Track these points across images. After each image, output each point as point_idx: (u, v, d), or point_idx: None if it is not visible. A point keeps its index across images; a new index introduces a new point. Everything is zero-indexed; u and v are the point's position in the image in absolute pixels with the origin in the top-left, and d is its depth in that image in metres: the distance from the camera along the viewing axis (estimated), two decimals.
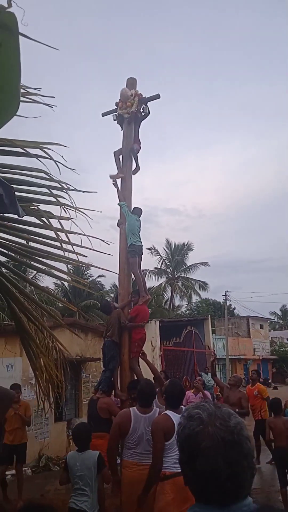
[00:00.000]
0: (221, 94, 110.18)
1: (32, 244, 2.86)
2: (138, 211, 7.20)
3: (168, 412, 3.73)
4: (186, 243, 38.21)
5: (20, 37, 1.18)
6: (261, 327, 41.91)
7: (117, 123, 7.73)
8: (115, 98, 7.86)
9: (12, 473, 7.53)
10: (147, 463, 3.84)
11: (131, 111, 7.47)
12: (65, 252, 2.72)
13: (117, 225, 7.07)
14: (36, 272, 13.76)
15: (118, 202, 7.10)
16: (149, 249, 36.30)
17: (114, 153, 7.60)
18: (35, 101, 2.33)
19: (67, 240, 2.65)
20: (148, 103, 7.75)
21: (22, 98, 2.27)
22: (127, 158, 7.46)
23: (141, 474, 3.83)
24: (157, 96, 7.75)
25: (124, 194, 7.27)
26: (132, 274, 6.96)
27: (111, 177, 7.35)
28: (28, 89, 2.30)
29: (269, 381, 35.63)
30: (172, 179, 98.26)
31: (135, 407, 4.14)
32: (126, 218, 6.90)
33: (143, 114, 7.68)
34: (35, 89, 2.30)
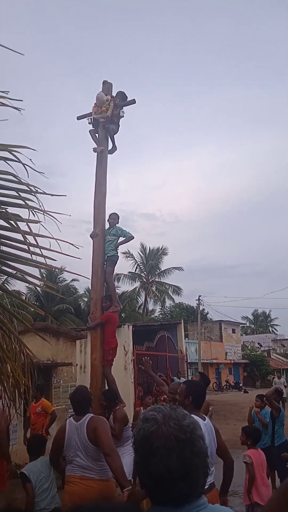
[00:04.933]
0: (196, 97, 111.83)
1: (1, 248, 2.82)
2: (117, 218, 7.28)
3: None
4: (160, 248, 38.46)
5: None
6: (233, 331, 42.55)
7: (92, 127, 7.74)
8: (89, 100, 7.89)
9: None
10: (90, 477, 3.60)
11: (106, 116, 7.52)
12: (32, 255, 2.69)
13: (90, 237, 7.05)
14: (6, 276, 13.53)
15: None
16: (123, 253, 36.23)
17: (90, 131, 7.68)
18: (3, 104, 2.31)
19: (35, 243, 2.63)
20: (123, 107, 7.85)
21: None
22: (101, 158, 7.48)
23: (84, 491, 3.53)
24: (132, 101, 7.82)
25: (99, 198, 7.28)
26: (106, 283, 6.99)
27: (94, 150, 7.49)
28: None
29: (240, 385, 36.16)
30: (148, 183, 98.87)
31: (72, 417, 3.93)
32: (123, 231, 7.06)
33: (119, 119, 7.74)
34: (2, 92, 2.28)
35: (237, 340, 42.78)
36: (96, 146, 7.53)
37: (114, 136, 7.78)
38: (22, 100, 2.26)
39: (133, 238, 7.18)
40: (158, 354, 17.57)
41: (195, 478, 1.10)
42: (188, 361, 23.39)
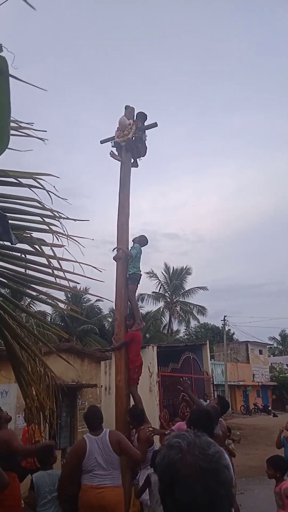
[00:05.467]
0: (216, 119, 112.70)
1: (27, 271, 2.89)
2: (144, 241, 7.35)
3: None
4: (184, 267, 38.30)
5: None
6: (260, 352, 41.50)
7: (116, 151, 7.92)
8: (112, 123, 8.13)
9: None
10: (106, 484, 3.95)
11: (128, 138, 7.68)
12: (56, 278, 2.75)
13: (114, 259, 7.11)
14: (30, 299, 13.74)
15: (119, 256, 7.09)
16: (147, 273, 36.30)
17: (111, 152, 7.90)
18: (28, 135, 2.42)
19: (59, 267, 2.68)
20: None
21: (15, 132, 2.37)
22: (125, 181, 7.61)
23: (99, 499, 3.87)
24: (154, 125, 7.98)
25: (122, 220, 7.37)
26: (129, 301, 7.01)
27: (111, 155, 7.78)
28: (21, 124, 2.39)
29: (269, 408, 35.03)
30: (170, 203, 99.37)
31: (88, 433, 4.25)
32: (131, 249, 7.01)
33: (141, 145, 7.91)
34: (27, 123, 2.39)
35: (264, 362, 41.66)
36: (115, 157, 7.79)
37: (142, 158, 7.96)
38: (46, 131, 2.36)
39: (131, 255, 7.03)
40: (183, 376, 17.29)
41: (220, 508, 1.08)
42: (215, 383, 22.89)
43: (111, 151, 7.79)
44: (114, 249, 7.20)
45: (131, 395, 6.45)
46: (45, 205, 2.54)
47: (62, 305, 4.09)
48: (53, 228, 2.62)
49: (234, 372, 34.44)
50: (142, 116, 8.04)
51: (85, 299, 31.57)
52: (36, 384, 2.95)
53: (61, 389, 3.66)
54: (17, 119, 2.35)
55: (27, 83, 1.36)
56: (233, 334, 45.04)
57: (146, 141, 8.01)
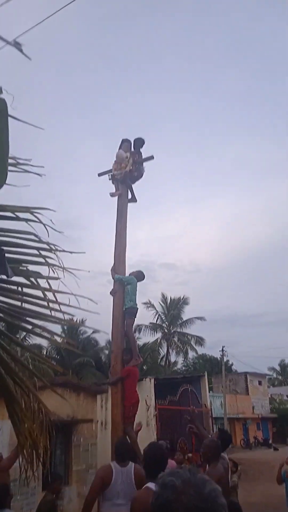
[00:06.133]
0: (213, 150, 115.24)
1: (22, 304, 2.87)
2: (141, 276, 7.36)
3: (150, 484, 3.19)
4: (182, 297, 38.03)
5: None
6: (260, 383, 40.77)
7: (112, 183, 8.06)
8: (108, 155, 8.33)
9: None
10: None
11: (125, 171, 7.84)
12: (52, 311, 2.73)
13: (110, 294, 7.08)
14: (26, 333, 13.57)
15: (113, 276, 7.16)
16: (144, 303, 36.01)
17: (111, 179, 8.01)
18: (26, 171, 2.47)
19: (55, 300, 2.67)
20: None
21: (13, 168, 2.43)
22: (122, 212, 7.69)
23: None
24: (150, 158, 8.15)
25: (118, 249, 7.41)
26: (126, 336, 6.94)
27: (111, 194, 7.84)
28: (18, 160, 2.45)
29: (270, 441, 34.09)
30: (167, 233, 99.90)
31: (114, 461, 4.41)
32: (128, 281, 7.00)
33: (137, 174, 8.05)
34: (25, 160, 2.45)
35: (264, 393, 40.87)
36: (114, 191, 7.86)
37: (137, 182, 8.11)
38: (43, 166, 2.42)
39: (121, 279, 7.04)
40: (182, 409, 16.91)
41: None
42: (213, 416, 22.35)
43: (111, 192, 7.88)
44: (112, 269, 7.14)
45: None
46: (41, 238, 2.56)
47: (58, 339, 4.04)
48: (49, 260, 2.63)
49: (233, 404, 33.70)
50: (139, 142, 8.22)
51: (81, 331, 31.22)
52: (29, 421, 2.87)
53: (55, 425, 3.56)
54: (15, 155, 2.41)
55: (26, 122, 1.40)
56: (232, 365, 44.47)
57: (143, 173, 8.17)
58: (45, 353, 27.45)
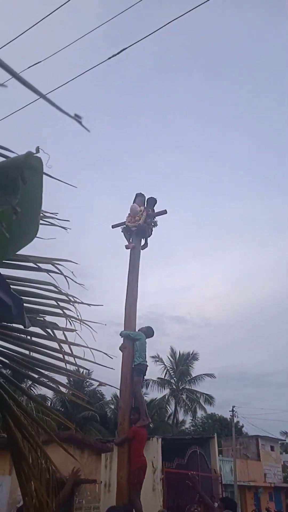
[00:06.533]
0: (224, 205, 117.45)
1: (34, 354, 2.85)
2: (150, 332, 7.31)
3: None
4: (191, 353, 37.17)
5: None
6: (272, 448, 38.48)
7: (124, 236, 8.25)
8: (119, 206, 8.73)
9: None
10: None
11: (139, 224, 8.04)
12: (66, 364, 2.70)
13: (120, 349, 7.01)
14: (31, 382, 13.32)
15: (120, 332, 7.15)
16: (153, 357, 35.22)
17: (123, 231, 8.27)
18: (52, 224, 2.56)
19: (70, 352, 2.65)
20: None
21: (40, 221, 2.52)
22: (134, 265, 7.78)
23: None
24: (163, 212, 8.38)
25: (130, 300, 7.41)
26: (134, 393, 6.76)
27: (126, 247, 8.01)
28: (45, 213, 2.55)
29: None
30: (177, 286, 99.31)
31: None
32: (136, 337, 6.94)
33: (152, 227, 8.27)
34: (52, 213, 2.55)
35: (276, 459, 38.45)
36: (128, 243, 8.02)
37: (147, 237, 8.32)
38: (69, 220, 2.51)
39: (128, 335, 6.99)
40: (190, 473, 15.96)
41: None
42: (223, 483, 21.01)
43: (126, 245, 8.09)
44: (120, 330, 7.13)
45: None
46: (61, 290, 2.59)
47: (64, 390, 3.94)
48: (67, 312, 2.64)
49: (244, 471, 31.68)
50: (152, 201, 8.54)
51: (87, 384, 30.42)
52: (36, 480, 2.73)
53: (62, 484, 3.38)
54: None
55: (60, 180, 1.49)
56: (242, 426, 42.34)
57: (155, 226, 8.37)
58: (49, 405, 26.63)
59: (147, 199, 8.59)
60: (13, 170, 1.28)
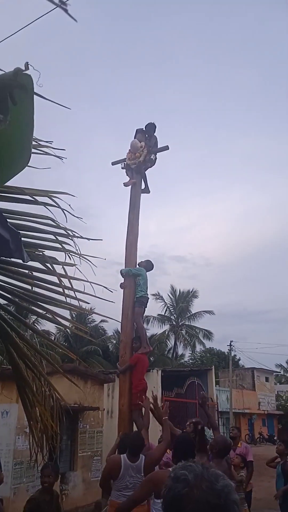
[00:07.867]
0: (225, 144, 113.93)
1: (35, 289, 2.87)
2: (149, 266, 7.33)
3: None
4: (191, 290, 37.92)
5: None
6: (267, 379, 40.64)
7: (126, 173, 8.01)
8: (120, 145, 8.32)
9: None
10: None
11: (138, 161, 7.78)
12: (67, 298, 2.72)
13: (120, 287, 7.07)
14: (36, 317, 13.68)
15: (120, 270, 7.16)
16: (153, 295, 35.98)
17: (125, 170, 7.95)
18: (46, 153, 2.44)
19: (70, 286, 2.66)
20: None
21: (34, 150, 2.40)
22: (135, 203, 7.66)
23: None
24: (165, 148, 8.08)
25: (130, 239, 7.39)
26: (135, 324, 6.94)
27: (125, 184, 7.78)
28: (40, 142, 2.42)
29: (275, 438, 34.09)
30: (178, 226, 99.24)
31: (124, 455, 4.40)
32: (137, 272, 6.97)
33: (150, 163, 7.99)
34: (46, 141, 2.43)
35: (270, 389, 40.74)
36: (127, 181, 7.80)
37: (149, 169, 8.02)
38: (64, 149, 2.39)
39: (129, 271, 7.04)
40: (188, 402, 16.95)
41: None
42: (219, 410, 22.36)
43: (125, 182, 7.83)
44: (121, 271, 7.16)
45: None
46: (59, 224, 2.54)
47: (67, 324, 4.03)
48: (66, 247, 2.61)
49: (239, 400, 33.67)
50: (151, 127, 8.13)
51: (89, 320, 31.38)
52: (40, 405, 2.87)
53: (66, 410, 3.57)
54: (36, 136, 2.38)
55: (52, 101, 1.37)
56: (239, 360, 44.31)
57: (155, 161, 8.09)
58: (53, 339, 27.67)
59: (146, 126, 8.17)
60: (1, 89, 1.18)
